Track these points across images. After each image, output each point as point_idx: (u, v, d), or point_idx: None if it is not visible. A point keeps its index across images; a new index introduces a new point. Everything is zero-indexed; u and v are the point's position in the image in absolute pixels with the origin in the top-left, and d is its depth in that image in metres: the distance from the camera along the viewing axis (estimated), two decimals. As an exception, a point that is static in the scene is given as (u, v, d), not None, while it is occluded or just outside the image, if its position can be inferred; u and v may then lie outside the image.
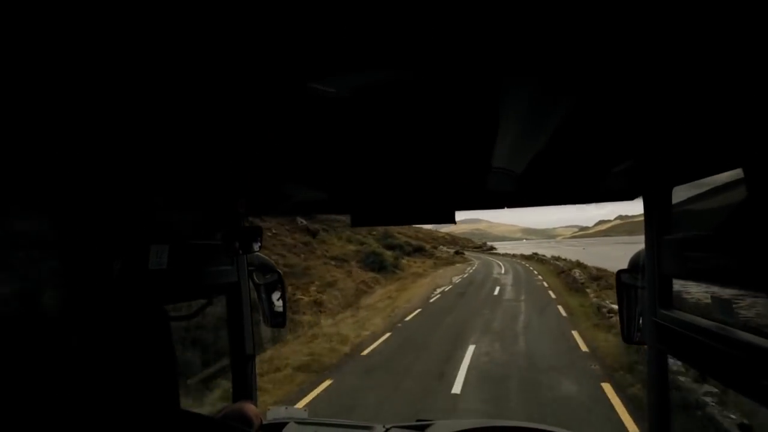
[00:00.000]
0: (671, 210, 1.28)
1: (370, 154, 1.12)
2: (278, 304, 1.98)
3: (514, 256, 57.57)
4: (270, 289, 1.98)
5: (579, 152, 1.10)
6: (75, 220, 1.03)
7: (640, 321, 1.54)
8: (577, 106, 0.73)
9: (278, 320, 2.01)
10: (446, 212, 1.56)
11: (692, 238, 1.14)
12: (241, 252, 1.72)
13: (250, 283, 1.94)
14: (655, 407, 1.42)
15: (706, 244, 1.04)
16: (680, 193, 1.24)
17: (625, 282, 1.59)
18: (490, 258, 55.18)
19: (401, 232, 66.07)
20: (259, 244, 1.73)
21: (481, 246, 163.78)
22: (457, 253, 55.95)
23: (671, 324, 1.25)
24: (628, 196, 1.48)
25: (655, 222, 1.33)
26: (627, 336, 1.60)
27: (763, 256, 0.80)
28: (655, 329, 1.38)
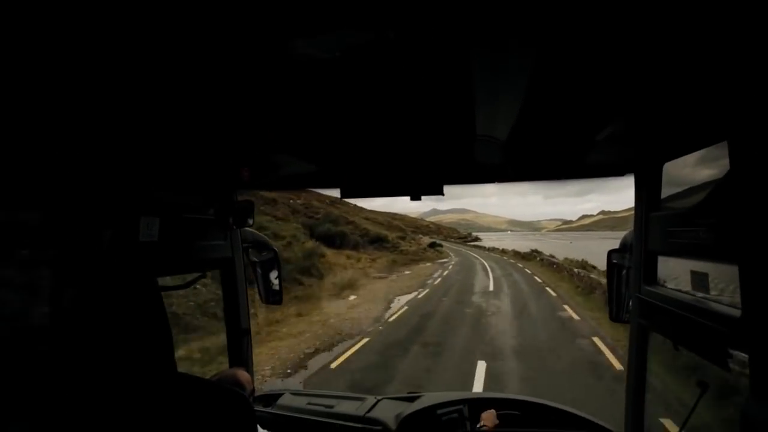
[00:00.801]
0: (660, 187, 1.31)
1: (358, 122, 1.10)
2: (275, 282, 1.99)
3: (504, 252, 43.16)
4: (265, 267, 1.98)
5: (558, 116, 1.05)
6: (64, 192, 1.03)
7: (630, 302, 1.56)
8: (544, 63, 0.73)
9: (275, 298, 2.01)
10: (435, 185, 1.51)
11: (676, 214, 1.18)
12: (234, 227, 1.74)
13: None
14: (633, 380, 1.49)
15: (689, 220, 1.07)
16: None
17: (615, 262, 1.61)
18: (474, 254, 41.53)
19: (370, 218, 53.47)
20: (253, 219, 1.74)
21: (466, 236, 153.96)
22: (432, 245, 43.71)
23: (653, 299, 1.30)
24: (619, 172, 1.46)
25: (644, 199, 1.37)
26: (615, 315, 1.62)
27: (743, 230, 0.84)
28: (638, 305, 1.43)
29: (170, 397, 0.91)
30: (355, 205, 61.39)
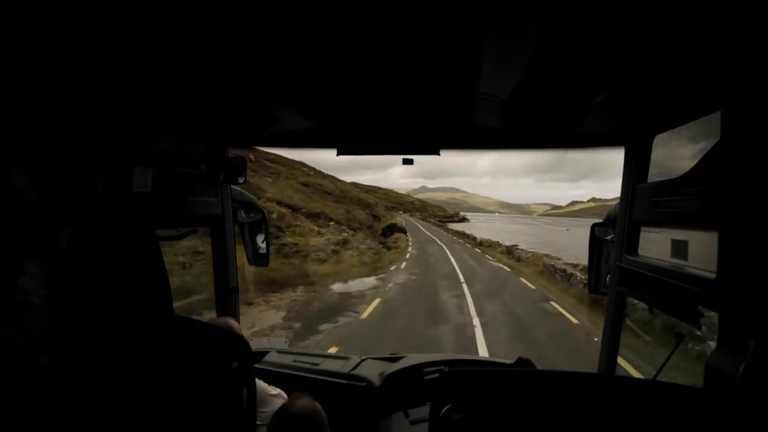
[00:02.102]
0: (649, 160, 1.36)
1: (357, 73, 1.08)
2: (262, 245, 2.01)
3: (510, 254, 22.45)
4: (253, 228, 2.01)
5: (559, 77, 1.06)
6: (60, 138, 1.03)
7: (609, 275, 1.63)
8: (553, 23, 0.75)
9: (261, 260, 2.03)
10: (431, 145, 1.54)
11: (661, 184, 1.24)
12: (225, 183, 1.77)
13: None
14: (607, 342, 1.60)
15: (673, 190, 1.12)
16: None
17: (597, 235, 1.73)
18: (453, 263, 23.24)
19: (313, 184, 39.53)
20: (244, 177, 1.79)
21: (453, 216, 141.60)
22: (390, 231, 30.39)
23: (632, 267, 1.37)
24: (611, 143, 1.52)
25: (632, 171, 1.42)
26: (594, 287, 1.74)
27: (728, 196, 0.89)
28: (618, 273, 1.50)
29: (171, 338, 0.97)
30: (309, 170, 47.44)
